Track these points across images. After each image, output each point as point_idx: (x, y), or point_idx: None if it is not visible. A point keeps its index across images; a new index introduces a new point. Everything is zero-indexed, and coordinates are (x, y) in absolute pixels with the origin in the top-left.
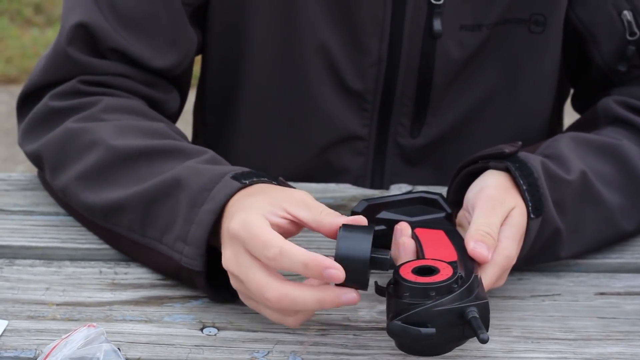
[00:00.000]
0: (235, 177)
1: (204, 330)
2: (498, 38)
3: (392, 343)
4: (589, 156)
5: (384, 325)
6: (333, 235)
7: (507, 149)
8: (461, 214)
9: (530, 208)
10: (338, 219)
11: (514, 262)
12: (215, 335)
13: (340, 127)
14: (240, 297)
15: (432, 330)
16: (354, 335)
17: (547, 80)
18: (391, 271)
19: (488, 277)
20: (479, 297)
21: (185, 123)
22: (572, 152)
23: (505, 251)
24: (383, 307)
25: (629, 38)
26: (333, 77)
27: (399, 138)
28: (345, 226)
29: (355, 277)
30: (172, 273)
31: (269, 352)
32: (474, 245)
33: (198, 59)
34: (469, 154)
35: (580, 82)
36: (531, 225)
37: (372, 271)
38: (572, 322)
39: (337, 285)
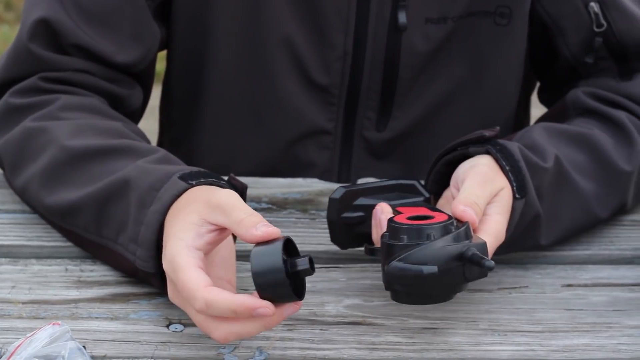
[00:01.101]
0: (183, 178)
1: (170, 326)
2: (464, 31)
3: (360, 337)
4: (562, 145)
5: (351, 319)
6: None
7: (487, 132)
8: (448, 193)
9: (515, 188)
10: (249, 234)
11: (502, 239)
12: (181, 331)
13: (307, 121)
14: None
15: (434, 268)
16: (321, 330)
17: (513, 73)
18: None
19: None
20: (476, 239)
21: (155, 120)
22: (546, 141)
23: (498, 225)
24: (350, 301)
25: (596, 30)
26: (298, 71)
27: (365, 132)
28: (255, 247)
29: (280, 292)
30: (130, 272)
31: (235, 348)
32: (464, 209)
33: (162, 55)
34: (435, 147)
35: (546, 74)
36: (516, 206)
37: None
38: (539, 314)
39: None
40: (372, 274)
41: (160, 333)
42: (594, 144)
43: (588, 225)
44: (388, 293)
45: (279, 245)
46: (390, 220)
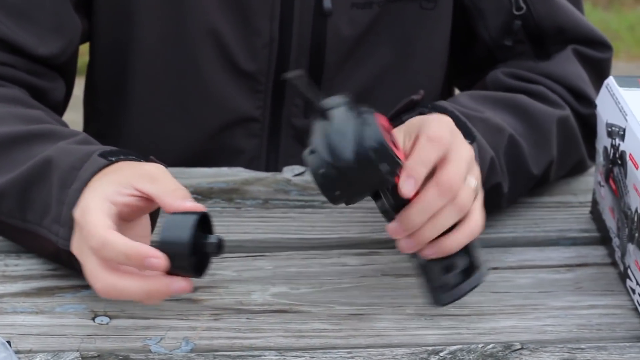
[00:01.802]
0: (102, 155)
1: (95, 319)
2: (390, 15)
3: (286, 325)
4: (489, 108)
5: (277, 307)
6: None
7: (415, 96)
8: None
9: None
10: (176, 203)
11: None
12: (107, 324)
13: (234, 109)
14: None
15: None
16: (247, 318)
17: (438, 57)
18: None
19: None
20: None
21: (80, 112)
22: (473, 104)
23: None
24: (276, 289)
25: (516, 12)
26: (224, 59)
27: (293, 119)
28: (171, 215)
29: (180, 263)
30: (54, 256)
31: (161, 339)
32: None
33: (85, 47)
34: None
35: (465, 59)
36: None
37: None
38: (465, 297)
39: (167, 273)
40: (298, 262)
41: (86, 326)
42: (521, 106)
43: (527, 181)
44: (315, 281)
45: (193, 219)
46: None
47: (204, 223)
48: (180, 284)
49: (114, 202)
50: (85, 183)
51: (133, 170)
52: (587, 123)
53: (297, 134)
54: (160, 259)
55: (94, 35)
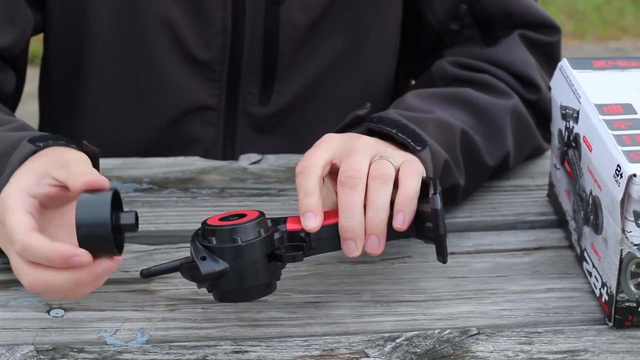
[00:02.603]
0: (31, 141)
1: (50, 312)
2: (342, 1)
3: (242, 315)
4: (437, 106)
5: None
6: None
7: (360, 111)
8: None
9: (411, 143)
10: (77, 182)
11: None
12: (62, 316)
13: (189, 98)
14: None
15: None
16: (203, 308)
17: (390, 43)
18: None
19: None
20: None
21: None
22: (421, 104)
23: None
24: None
25: None
26: (178, 48)
27: (248, 107)
28: (83, 194)
29: (102, 245)
30: None
31: (117, 331)
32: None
33: (37, 38)
34: (319, 120)
35: (412, 44)
36: (424, 157)
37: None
38: (422, 283)
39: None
40: None
41: (40, 319)
42: (468, 100)
43: (482, 173)
44: None
45: (107, 197)
46: (203, 223)
47: (115, 199)
48: (105, 264)
49: (33, 194)
50: (13, 170)
51: (52, 158)
52: (537, 108)
53: (253, 122)
54: (83, 256)
55: (48, 26)
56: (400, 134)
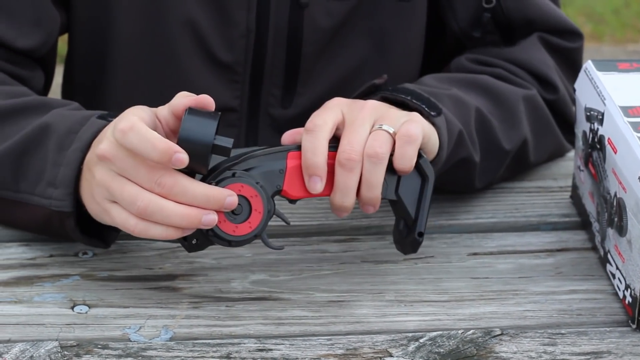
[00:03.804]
0: (102, 117)
1: (74, 308)
2: (366, 7)
3: (266, 313)
4: (454, 87)
5: (257, 295)
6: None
7: (377, 80)
8: None
9: (426, 109)
10: (185, 99)
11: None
12: (86, 313)
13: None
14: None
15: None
16: (227, 306)
17: (414, 49)
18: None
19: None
20: None
21: None
22: (438, 84)
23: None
24: (255, 277)
25: (485, 5)
26: (202, 50)
27: (270, 109)
28: (190, 109)
29: (196, 160)
30: (43, 224)
31: (140, 327)
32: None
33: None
34: None
35: (434, 50)
36: (438, 123)
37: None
38: (445, 283)
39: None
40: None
41: (65, 315)
42: (484, 85)
43: (500, 157)
44: (294, 268)
45: (215, 119)
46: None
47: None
48: (212, 216)
49: (153, 111)
50: (85, 144)
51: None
52: (554, 109)
53: (274, 124)
54: (185, 154)
55: (73, 27)
56: (414, 101)
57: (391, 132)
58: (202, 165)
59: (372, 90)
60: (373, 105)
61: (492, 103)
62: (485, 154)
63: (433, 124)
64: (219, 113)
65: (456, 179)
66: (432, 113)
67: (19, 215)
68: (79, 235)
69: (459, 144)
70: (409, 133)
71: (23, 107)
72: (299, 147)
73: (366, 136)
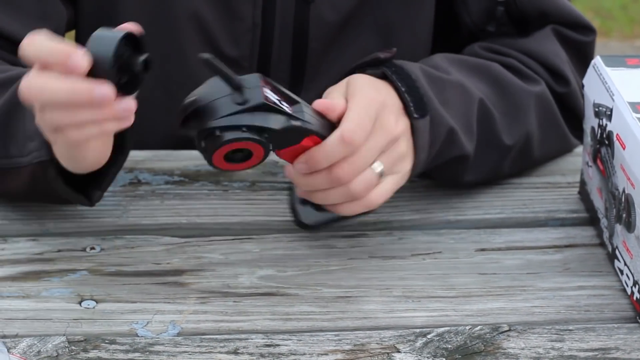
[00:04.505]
0: None
1: (82, 303)
2: (373, 1)
3: (273, 308)
4: (463, 72)
5: (264, 290)
6: None
7: (382, 54)
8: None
9: (412, 108)
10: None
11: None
12: (93, 308)
13: None
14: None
15: None
16: (234, 302)
17: (422, 43)
18: None
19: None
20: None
21: None
22: (447, 67)
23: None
24: (263, 272)
25: None
26: (208, 44)
27: None
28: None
29: (101, 70)
30: (30, 183)
31: (148, 323)
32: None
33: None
34: None
35: (447, 44)
36: (419, 125)
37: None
38: (453, 279)
39: None
40: (285, 244)
41: (72, 310)
42: (494, 75)
43: (499, 151)
44: (302, 263)
45: (120, 33)
46: None
47: (134, 42)
48: (104, 89)
49: None
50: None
51: None
52: (564, 102)
53: None
54: (83, 56)
55: (79, 23)
56: (406, 94)
57: (381, 176)
58: (108, 77)
59: (375, 63)
60: (398, 134)
61: (498, 95)
62: (481, 146)
63: (413, 126)
64: (129, 31)
65: (442, 173)
66: (416, 115)
67: (14, 184)
68: (62, 185)
69: (448, 144)
70: (371, 203)
71: (11, 78)
72: (320, 135)
73: (365, 167)
